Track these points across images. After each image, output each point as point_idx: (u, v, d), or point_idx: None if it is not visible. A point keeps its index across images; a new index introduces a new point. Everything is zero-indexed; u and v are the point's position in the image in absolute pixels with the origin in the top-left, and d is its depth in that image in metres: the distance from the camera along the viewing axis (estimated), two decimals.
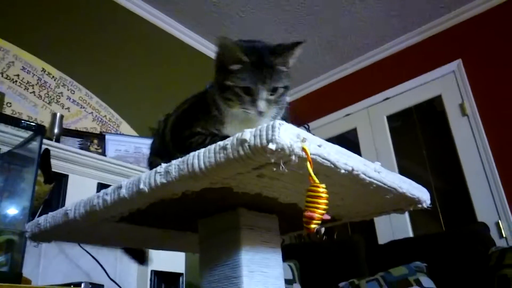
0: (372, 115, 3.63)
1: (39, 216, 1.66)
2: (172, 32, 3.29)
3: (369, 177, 0.67)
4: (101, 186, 2.17)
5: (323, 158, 0.58)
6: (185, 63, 3.34)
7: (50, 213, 0.86)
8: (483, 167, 2.93)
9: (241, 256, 0.76)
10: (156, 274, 2.19)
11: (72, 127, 2.40)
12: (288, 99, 0.94)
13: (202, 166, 0.60)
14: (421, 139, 3.42)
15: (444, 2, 3.22)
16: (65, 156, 2.07)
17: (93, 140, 2.37)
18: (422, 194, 0.81)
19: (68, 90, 2.47)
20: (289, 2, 3.13)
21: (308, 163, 0.55)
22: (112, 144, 2.43)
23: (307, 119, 3.85)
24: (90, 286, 1.66)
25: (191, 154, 0.63)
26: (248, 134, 0.56)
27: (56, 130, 2.18)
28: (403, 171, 3.30)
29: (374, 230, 3.29)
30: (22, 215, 1.59)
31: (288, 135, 0.54)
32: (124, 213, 0.77)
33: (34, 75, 2.33)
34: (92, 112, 2.55)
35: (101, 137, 2.42)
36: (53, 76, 2.42)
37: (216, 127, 0.88)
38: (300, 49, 0.88)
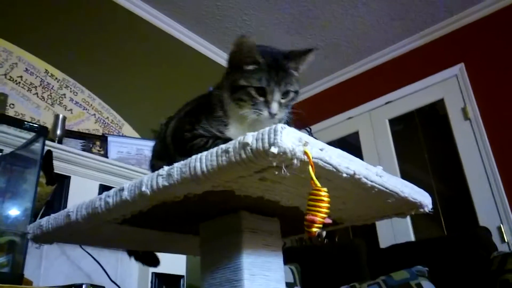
0: (374, 118, 3.63)
1: (41, 217, 1.66)
2: (175, 34, 3.30)
3: (371, 181, 0.67)
4: (103, 188, 2.17)
5: (325, 162, 0.59)
6: (187, 65, 3.34)
7: (52, 215, 0.86)
8: (485, 171, 2.92)
9: (242, 259, 0.76)
10: (157, 276, 2.19)
11: (75, 128, 2.40)
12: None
13: (204, 169, 0.61)
14: (423, 143, 3.42)
15: (447, 6, 3.22)
16: (67, 157, 2.07)
17: (95, 142, 2.37)
18: (424, 198, 0.81)
19: (70, 91, 2.48)
20: (292, 5, 3.13)
21: (310, 167, 0.55)
22: (114, 145, 2.43)
23: (309, 122, 3.85)
24: (91, 287, 1.66)
25: (193, 157, 0.63)
26: (250, 137, 0.56)
27: (58, 132, 2.18)
28: (405, 175, 3.29)
29: (376, 234, 3.28)
30: (24, 216, 1.59)
31: (290, 139, 0.54)
32: (126, 215, 0.77)
33: (37, 76, 2.34)
34: (94, 114, 2.56)
35: (103, 139, 2.42)
36: (56, 78, 2.43)
37: (219, 129, 0.88)
38: (313, 56, 0.90)
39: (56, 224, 0.84)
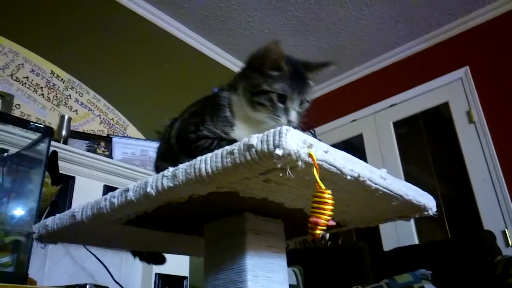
0: (378, 121, 3.62)
1: (45, 217, 1.67)
2: (179, 36, 3.31)
3: (375, 184, 0.67)
4: (108, 189, 2.18)
5: (329, 164, 0.59)
6: (191, 66, 3.36)
7: (58, 215, 0.87)
8: (489, 175, 2.91)
9: (246, 261, 0.77)
10: (161, 277, 2.19)
11: (80, 129, 2.42)
12: None
13: (209, 170, 0.61)
14: (428, 146, 3.41)
15: (451, 9, 3.21)
16: (72, 158, 2.08)
17: (100, 143, 2.38)
18: (428, 201, 0.81)
19: (76, 92, 2.49)
20: (297, 7, 3.14)
21: (314, 169, 0.55)
22: (119, 146, 2.44)
23: (313, 124, 3.84)
24: (95, 287, 1.67)
25: (198, 158, 0.63)
26: (255, 139, 0.56)
27: (64, 132, 2.19)
28: (409, 178, 3.28)
29: (379, 237, 3.27)
30: (29, 216, 1.60)
31: (295, 141, 0.54)
32: (131, 216, 0.77)
33: (43, 77, 2.36)
34: (99, 115, 2.57)
35: (108, 140, 2.43)
36: (61, 79, 2.44)
37: (224, 129, 0.88)
38: (329, 69, 0.93)
39: (61, 224, 0.84)
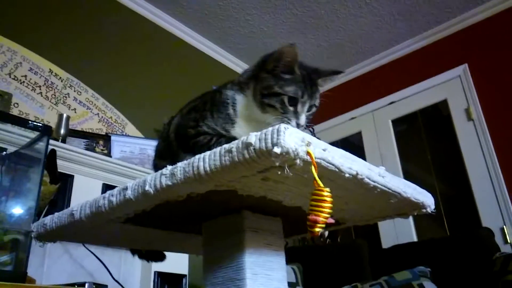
0: (377, 119, 3.63)
1: (44, 216, 1.67)
2: (178, 34, 3.30)
3: (374, 182, 0.67)
4: (106, 187, 2.18)
5: (327, 162, 0.59)
6: (190, 64, 3.35)
7: (56, 213, 0.87)
8: (488, 172, 2.92)
9: (244, 259, 0.77)
10: (160, 275, 2.19)
11: (78, 128, 2.41)
12: None
13: (208, 168, 0.61)
14: (426, 143, 3.41)
15: (450, 7, 3.21)
16: (70, 156, 2.08)
17: (98, 141, 2.38)
18: (426, 198, 0.81)
19: (74, 91, 2.49)
20: (296, 5, 3.13)
21: (312, 167, 0.55)
22: (118, 145, 2.44)
23: (312, 121, 3.84)
24: (94, 286, 1.67)
25: (197, 156, 0.63)
26: (253, 137, 0.56)
27: (62, 131, 2.19)
28: (407, 176, 3.29)
29: (378, 234, 3.28)
30: (28, 214, 1.60)
31: (293, 139, 0.54)
32: (129, 214, 0.77)
33: (41, 76, 2.35)
34: (98, 113, 2.57)
35: (106, 138, 2.43)
36: (60, 77, 2.44)
37: (225, 127, 0.88)
38: (338, 77, 0.95)
39: (60, 223, 0.84)
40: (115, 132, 2.59)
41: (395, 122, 3.55)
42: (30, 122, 1.71)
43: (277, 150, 0.53)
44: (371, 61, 3.76)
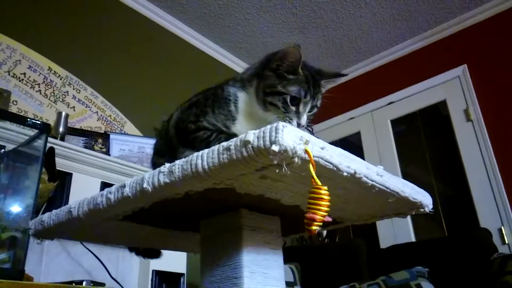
0: (376, 119, 3.63)
1: (42, 214, 1.67)
2: (177, 33, 3.30)
3: (372, 180, 0.67)
4: (105, 185, 2.18)
5: (325, 161, 0.59)
6: (190, 64, 3.35)
7: (54, 211, 0.86)
8: (486, 173, 2.92)
9: (242, 257, 0.77)
10: (158, 274, 2.19)
11: (77, 126, 2.41)
12: None
13: (206, 166, 0.61)
14: (425, 143, 3.41)
15: (450, 7, 3.21)
16: (69, 154, 2.08)
17: (97, 139, 2.38)
18: (424, 198, 0.82)
19: (73, 89, 2.49)
20: (295, 5, 3.13)
21: (310, 165, 0.55)
22: (116, 143, 2.44)
23: (311, 121, 3.83)
24: (92, 284, 1.67)
25: (195, 154, 0.63)
26: (251, 135, 0.56)
27: (61, 129, 2.19)
28: (406, 176, 3.29)
29: (376, 234, 3.28)
30: (26, 212, 1.60)
31: (291, 137, 0.54)
32: (127, 212, 0.77)
33: (40, 73, 2.35)
34: (97, 112, 2.57)
35: (105, 137, 2.43)
36: (59, 75, 2.43)
37: (225, 123, 0.89)
38: (340, 79, 0.97)
39: (58, 220, 0.84)
40: (114, 131, 2.59)
41: (394, 122, 3.55)
42: (28, 119, 1.71)
43: (275, 148, 0.53)
44: (370, 61, 3.76)
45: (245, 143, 0.56)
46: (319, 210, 0.56)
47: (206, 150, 0.62)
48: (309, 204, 0.57)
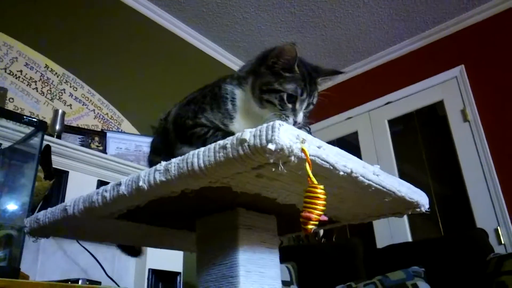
0: (373, 119, 3.63)
1: (38, 212, 1.66)
2: (175, 31, 3.29)
3: (368, 180, 0.67)
4: (101, 184, 2.17)
5: (322, 160, 0.59)
6: (188, 62, 3.34)
7: (49, 209, 0.86)
8: (483, 173, 2.93)
9: (238, 256, 0.77)
10: (154, 273, 2.19)
11: (74, 124, 2.40)
12: None
13: (202, 165, 0.60)
14: (422, 144, 3.42)
15: (447, 8, 3.22)
16: (65, 152, 2.07)
17: (94, 138, 2.37)
18: (420, 198, 0.82)
19: (70, 87, 2.48)
20: (293, 4, 3.13)
21: (306, 163, 0.55)
22: (113, 141, 2.43)
23: (307, 119, 3.83)
24: (88, 282, 1.66)
25: (191, 152, 0.63)
26: (248, 134, 0.56)
27: (57, 127, 2.18)
28: (403, 175, 3.29)
29: (373, 234, 3.28)
30: (22, 210, 1.59)
31: (288, 136, 0.54)
32: (123, 210, 0.77)
33: (37, 71, 2.34)
34: (94, 110, 2.56)
35: (102, 135, 2.42)
36: (56, 73, 2.42)
37: (223, 121, 0.89)
38: (337, 77, 0.96)
39: (53, 218, 0.84)
40: (110, 129, 2.58)
41: (392, 122, 3.55)
42: (25, 117, 1.70)
43: (271, 146, 0.53)
44: (368, 61, 3.77)
45: (242, 141, 0.56)
46: (315, 209, 0.56)
47: (202, 149, 0.62)
48: (305, 203, 0.57)
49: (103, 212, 0.78)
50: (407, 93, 3.46)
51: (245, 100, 0.89)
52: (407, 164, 3.48)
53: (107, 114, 2.62)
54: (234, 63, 3.68)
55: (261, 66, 0.89)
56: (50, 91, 2.37)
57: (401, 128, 3.59)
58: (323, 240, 3.29)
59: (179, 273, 2.31)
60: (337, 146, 0.63)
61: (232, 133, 0.84)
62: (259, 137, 0.55)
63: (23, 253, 1.51)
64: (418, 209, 0.83)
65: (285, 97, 0.86)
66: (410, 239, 3.10)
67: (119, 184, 0.71)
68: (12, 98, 2.18)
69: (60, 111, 2.23)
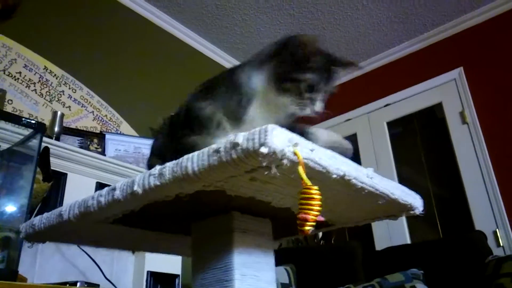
0: (372, 121, 3.63)
1: (36, 214, 1.66)
2: (174, 33, 3.30)
3: (361, 182, 0.67)
4: (100, 186, 2.17)
5: (315, 163, 0.59)
6: (186, 63, 3.35)
7: (45, 214, 0.86)
8: (482, 176, 2.93)
9: (233, 260, 0.77)
10: (152, 275, 2.19)
11: (73, 125, 2.41)
12: None
13: (195, 168, 0.61)
14: (421, 146, 3.42)
15: (446, 10, 3.23)
16: (64, 154, 2.07)
17: (93, 139, 2.37)
18: (414, 200, 0.82)
19: (69, 88, 2.48)
20: (293, 6, 3.14)
21: (300, 166, 0.56)
22: (112, 143, 2.44)
23: (307, 123, 3.84)
24: (86, 285, 1.66)
25: (185, 156, 0.63)
26: (241, 137, 0.56)
27: (56, 129, 2.18)
28: (402, 178, 3.30)
29: (372, 236, 3.28)
30: (20, 212, 1.59)
31: (280, 139, 0.54)
32: (117, 215, 0.77)
33: (36, 73, 2.34)
34: (93, 111, 2.56)
35: (101, 137, 2.42)
36: (55, 74, 2.43)
37: (239, 108, 0.84)
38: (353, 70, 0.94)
39: (49, 223, 0.83)
40: (109, 131, 2.58)
41: (390, 124, 3.56)
42: (23, 119, 1.71)
43: (264, 150, 0.53)
44: (367, 63, 3.77)
45: (234, 145, 0.56)
46: (311, 210, 0.56)
47: (196, 153, 0.62)
48: (301, 204, 0.57)
49: (99, 217, 0.78)
50: (406, 95, 3.47)
51: (263, 87, 0.86)
52: (406, 166, 3.48)
53: (106, 116, 2.63)
54: (234, 65, 3.68)
55: (281, 53, 0.88)
56: (49, 92, 2.37)
57: (400, 130, 3.60)
58: (321, 242, 3.29)
59: (178, 275, 2.31)
60: None
61: (244, 123, 0.82)
62: (252, 141, 0.55)
63: (21, 256, 1.51)
64: (412, 212, 0.83)
65: (304, 87, 0.84)
66: (409, 242, 3.09)
67: (114, 189, 0.71)
68: (11, 100, 2.18)
69: (59, 113, 2.24)
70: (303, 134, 0.85)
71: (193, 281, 0.82)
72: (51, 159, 1.87)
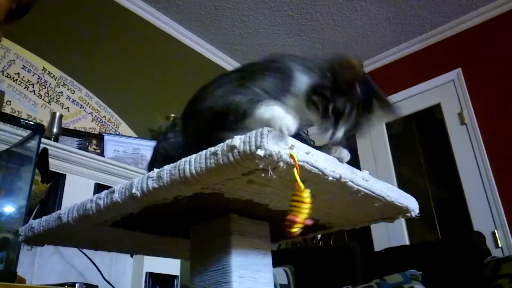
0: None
1: (35, 215, 1.66)
2: (173, 34, 3.30)
3: (357, 185, 0.67)
4: (99, 187, 2.17)
5: (311, 165, 0.59)
6: (186, 65, 3.35)
7: (44, 217, 0.86)
8: (480, 176, 2.93)
9: (231, 262, 0.77)
10: (151, 276, 2.19)
11: (71, 127, 2.40)
12: None
13: (193, 171, 0.61)
14: (420, 147, 3.42)
15: (445, 11, 3.23)
16: (63, 155, 2.07)
17: (91, 140, 2.37)
18: (410, 203, 0.82)
19: (68, 89, 2.48)
20: (291, 7, 3.14)
21: (294, 169, 0.56)
22: (111, 144, 2.44)
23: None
24: (85, 286, 1.66)
25: (183, 159, 0.63)
26: (238, 140, 0.57)
27: (55, 130, 2.18)
28: (401, 179, 3.30)
29: (370, 237, 3.29)
30: (18, 213, 1.59)
31: (277, 142, 0.55)
32: (116, 218, 0.77)
33: (34, 74, 2.34)
34: (91, 112, 2.56)
35: (99, 138, 2.42)
36: (53, 76, 2.43)
37: (281, 91, 0.79)
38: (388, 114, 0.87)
39: (48, 226, 0.84)
40: (108, 132, 2.58)
41: (389, 125, 3.56)
42: (22, 120, 1.70)
43: (260, 152, 0.54)
44: (365, 64, 3.77)
45: (232, 148, 0.57)
46: (300, 212, 0.57)
47: (193, 156, 0.63)
48: (291, 206, 0.58)
49: (97, 220, 0.78)
50: (404, 96, 3.47)
51: (301, 90, 0.80)
52: (405, 167, 3.48)
53: (104, 116, 2.63)
54: (232, 66, 3.68)
55: (324, 68, 0.81)
56: (48, 94, 2.37)
57: (399, 131, 3.60)
58: (320, 243, 3.29)
59: (177, 276, 2.31)
60: None
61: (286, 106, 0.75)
62: (249, 144, 0.56)
63: (20, 257, 1.51)
64: (408, 214, 0.83)
65: (330, 108, 0.76)
66: (407, 242, 3.10)
67: (113, 192, 0.72)
68: (10, 101, 2.18)
69: (57, 114, 2.23)
70: None
71: (192, 283, 0.82)
72: (50, 160, 1.87)
